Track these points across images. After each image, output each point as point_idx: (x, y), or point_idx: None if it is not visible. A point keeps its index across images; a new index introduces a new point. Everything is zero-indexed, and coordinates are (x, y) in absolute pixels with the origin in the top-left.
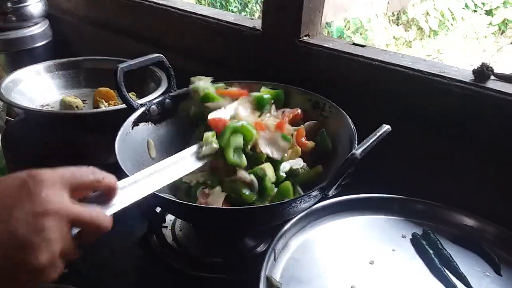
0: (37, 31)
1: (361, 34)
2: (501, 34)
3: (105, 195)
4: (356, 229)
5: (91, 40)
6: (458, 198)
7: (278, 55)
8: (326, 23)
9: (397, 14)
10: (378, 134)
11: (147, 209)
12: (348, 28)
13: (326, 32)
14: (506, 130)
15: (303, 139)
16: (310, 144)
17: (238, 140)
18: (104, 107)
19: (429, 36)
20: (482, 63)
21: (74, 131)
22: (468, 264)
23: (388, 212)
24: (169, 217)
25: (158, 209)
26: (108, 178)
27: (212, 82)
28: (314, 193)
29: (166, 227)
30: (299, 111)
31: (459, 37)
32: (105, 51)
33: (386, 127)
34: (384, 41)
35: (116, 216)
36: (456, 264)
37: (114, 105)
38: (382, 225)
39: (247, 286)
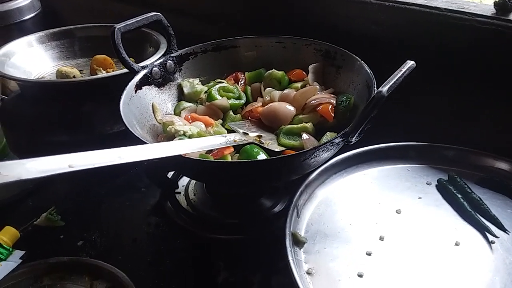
0: (24, 3)
1: None
2: None
3: None
4: (378, 180)
5: (81, 8)
6: (482, 142)
7: (282, 4)
8: None
9: None
10: (404, 70)
11: (158, 176)
12: None
13: None
14: None
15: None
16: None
17: None
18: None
19: None
20: None
21: (73, 101)
22: (498, 206)
23: (411, 160)
24: (181, 183)
25: (169, 176)
26: None
27: (202, 81)
28: (336, 140)
29: (179, 192)
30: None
31: None
32: (97, 19)
33: (410, 63)
34: None
35: (127, 186)
36: (487, 207)
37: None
38: (405, 173)
39: (264, 245)
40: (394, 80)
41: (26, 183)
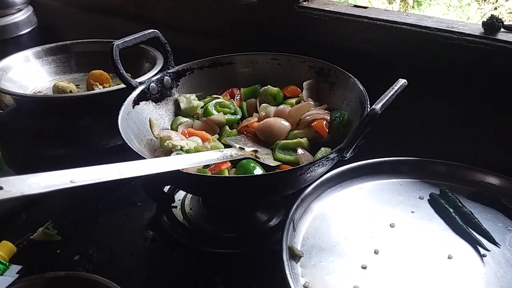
0: (21, 18)
1: None
2: (484, 0)
3: None
4: (372, 194)
5: (78, 23)
6: (473, 156)
7: (277, 23)
8: None
9: None
10: (396, 88)
11: (155, 190)
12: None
13: None
14: None
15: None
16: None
17: None
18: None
19: (413, 7)
20: (492, 15)
21: (70, 115)
22: (489, 220)
23: (403, 175)
24: (178, 197)
25: (165, 190)
26: None
27: (198, 96)
28: (332, 156)
29: (175, 207)
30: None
31: (443, 7)
32: (93, 34)
33: (402, 81)
34: None
35: (124, 200)
36: (478, 221)
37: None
38: (398, 188)
39: (261, 259)
40: (387, 98)
41: (24, 197)
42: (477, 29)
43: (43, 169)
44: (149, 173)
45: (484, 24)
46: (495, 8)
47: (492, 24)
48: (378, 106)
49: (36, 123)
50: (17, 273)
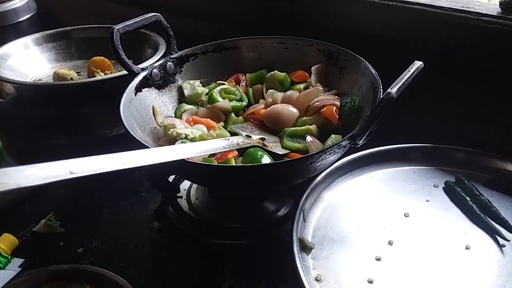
0: (19, 4)
1: None
2: None
3: None
4: (385, 182)
5: (78, 9)
6: (490, 143)
7: (283, 5)
8: None
9: None
10: (412, 70)
11: (159, 180)
12: None
13: None
14: None
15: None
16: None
17: None
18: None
19: None
20: None
21: (71, 103)
22: (507, 209)
23: (416, 162)
24: (183, 186)
25: (170, 179)
26: None
27: (202, 82)
28: (344, 143)
29: (181, 197)
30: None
31: None
32: (93, 19)
33: (419, 63)
34: None
35: (128, 190)
36: (496, 209)
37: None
38: (412, 176)
39: (269, 251)
40: (403, 81)
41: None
42: (494, 9)
43: (45, 159)
44: (153, 163)
45: (501, 3)
46: None
47: (510, 4)
48: (393, 90)
49: (37, 111)
50: (19, 266)
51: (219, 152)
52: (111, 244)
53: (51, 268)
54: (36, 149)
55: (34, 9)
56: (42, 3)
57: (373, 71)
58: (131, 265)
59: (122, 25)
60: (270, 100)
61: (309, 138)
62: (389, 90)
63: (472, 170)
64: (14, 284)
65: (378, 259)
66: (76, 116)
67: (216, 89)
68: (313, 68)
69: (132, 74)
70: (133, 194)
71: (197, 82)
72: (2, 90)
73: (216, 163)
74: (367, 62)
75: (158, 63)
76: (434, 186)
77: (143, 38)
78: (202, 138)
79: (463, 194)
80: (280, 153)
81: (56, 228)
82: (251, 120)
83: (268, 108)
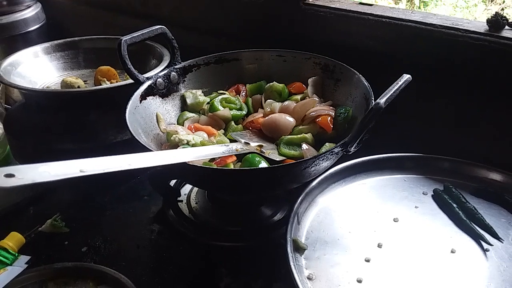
0: (29, 14)
1: None
2: (491, 1)
3: None
4: (376, 189)
5: (86, 20)
6: (476, 153)
7: (282, 21)
8: None
9: None
10: (400, 83)
11: (161, 184)
12: None
13: None
14: None
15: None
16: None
17: None
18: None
19: (419, 8)
20: (496, 12)
21: (78, 111)
22: (492, 216)
23: (407, 171)
24: (184, 191)
25: (172, 184)
26: None
27: (204, 92)
28: (336, 150)
29: (181, 201)
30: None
31: (449, 8)
32: (100, 30)
33: (406, 76)
34: None
35: (130, 194)
36: (481, 216)
37: None
38: (402, 183)
39: (265, 252)
40: (391, 92)
41: (27, 190)
42: (482, 27)
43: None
44: (157, 165)
45: (488, 21)
46: (502, 9)
47: (497, 22)
48: (382, 100)
49: (44, 117)
50: (25, 263)
51: (219, 157)
52: (114, 244)
53: (56, 266)
54: (43, 154)
55: (43, 19)
56: (51, 14)
57: (366, 83)
58: (133, 264)
59: (129, 37)
60: (269, 109)
61: (304, 146)
62: (378, 100)
63: (459, 179)
64: (21, 280)
65: (368, 261)
66: (83, 122)
67: (217, 98)
68: (309, 80)
69: (138, 83)
70: (135, 198)
71: (199, 92)
72: (10, 97)
73: (216, 167)
74: (360, 75)
75: (163, 73)
76: (423, 193)
77: (148, 50)
78: (203, 144)
79: (450, 201)
80: (276, 159)
81: (61, 228)
82: (250, 128)
83: (266, 117)
